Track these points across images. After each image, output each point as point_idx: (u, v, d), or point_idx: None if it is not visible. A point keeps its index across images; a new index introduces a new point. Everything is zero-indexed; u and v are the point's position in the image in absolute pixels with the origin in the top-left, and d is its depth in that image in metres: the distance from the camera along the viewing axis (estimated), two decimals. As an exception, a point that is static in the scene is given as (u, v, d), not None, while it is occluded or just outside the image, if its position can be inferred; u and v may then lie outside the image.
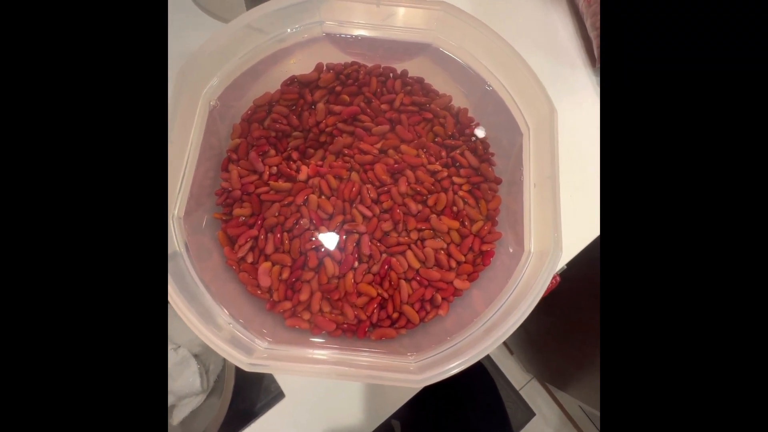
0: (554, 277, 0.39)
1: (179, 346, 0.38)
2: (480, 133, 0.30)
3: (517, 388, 0.92)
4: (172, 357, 0.37)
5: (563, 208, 0.23)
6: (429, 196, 0.28)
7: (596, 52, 0.37)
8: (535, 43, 0.38)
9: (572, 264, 0.35)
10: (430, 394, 0.46)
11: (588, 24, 0.38)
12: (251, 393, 0.34)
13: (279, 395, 0.31)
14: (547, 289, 0.42)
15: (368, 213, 0.27)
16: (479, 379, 0.55)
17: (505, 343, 0.94)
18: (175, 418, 0.36)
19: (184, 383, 0.37)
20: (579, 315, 0.64)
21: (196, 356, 0.38)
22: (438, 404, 0.50)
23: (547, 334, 0.77)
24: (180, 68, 0.25)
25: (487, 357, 0.92)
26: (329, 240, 0.27)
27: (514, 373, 0.93)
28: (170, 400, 0.36)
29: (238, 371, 0.31)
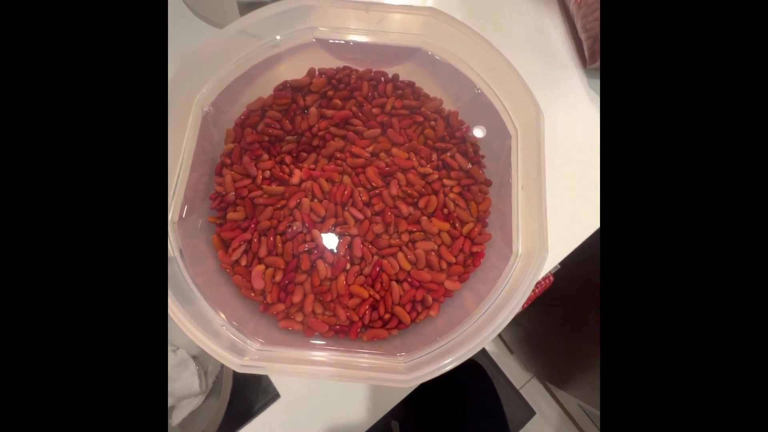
0: (547, 277, 0.39)
1: (178, 348, 0.38)
2: (479, 133, 0.30)
3: (517, 387, 0.92)
4: (171, 359, 0.37)
5: (555, 208, 0.24)
6: (420, 198, 0.29)
7: (587, 53, 0.38)
8: (527, 45, 0.39)
9: (569, 262, 0.35)
10: (428, 393, 0.46)
11: (579, 26, 0.38)
12: (249, 394, 0.34)
13: (276, 395, 0.32)
14: (542, 288, 0.42)
15: (360, 216, 0.28)
16: (477, 378, 0.55)
17: (504, 342, 0.94)
18: (175, 419, 0.37)
19: (183, 384, 0.37)
20: (577, 313, 0.64)
21: (194, 358, 0.38)
22: (436, 404, 0.50)
23: (546, 332, 0.77)
24: (173, 74, 0.25)
25: (487, 356, 0.93)
26: (322, 242, 0.27)
27: (514, 372, 0.93)
28: (169, 401, 0.37)
29: (236, 372, 0.32)
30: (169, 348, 0.38)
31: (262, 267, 0.27)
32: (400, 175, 0.29)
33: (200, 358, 0.39)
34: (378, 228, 0.28)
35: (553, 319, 0.72)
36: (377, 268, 0.27)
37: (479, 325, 0.23)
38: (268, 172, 0.29)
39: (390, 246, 0.27)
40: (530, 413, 0.90)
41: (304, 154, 0.30)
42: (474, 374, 0.55)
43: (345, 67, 0.31)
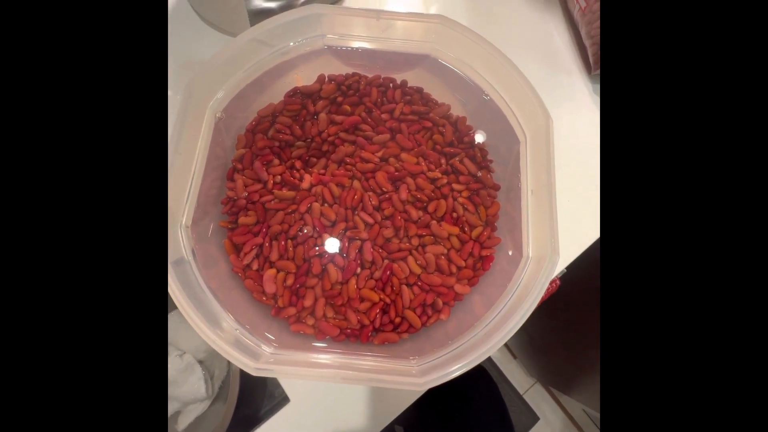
0: (554, 281, 0.40)
1: (184, 353, 0.38)
2: (479, 137, 0.30)
3: (521, 392, 0.92)
4: (177, 363, 0.37)
5: (562, 212, 0.24)
6: (429, 202, 0.29)
7: (591, 59, 0.38)
8: (532, 51, 0.39)
9: (573, 267, 0.36)
10: (433, 399, 0.46)
11: (583, 32, 0.39)
12: (256, 398, 0.34)
13: (283, 400, 0.32)
14: (548, 292, 0.42)
15: (370, 220, 0.28)
16: (482, 384, 0.55)
17: (507, 347, 0.94)
18: (181, 424, 0.37)
19: (189, 389, 0.37)
20: (581, 318, 0.64)
21: (201, 362, 0.38)
22: (441, 409, 0.50)
23: (549, 337, 0.77)
24: (188, 82, 0.26)
25: (490, 361, 0.92)
26: (332, 247, 0.28)
27: (518, 377, 0.93)
28: (175, 406, 0.37)
29: (243, 377, 0.32)
30: (176, 353, 0.38)
31: (273, 271, 0.27)
32: (409, 180, 0.29)
33: (206, 363, 0.39)
34: (388, 232, 0.28)
35: (557, 323, 0.72)
36: (387, 272, 0.27)
37: (491, 328, 0.23)
38: (279, 177, 0.29)
39: (400, 250, 0.28)
40: (534, 419, 0.90)
41: (314, 159, 0.30)
42: (478, 379, 0.55)
43: (354, 74, 0.31)
